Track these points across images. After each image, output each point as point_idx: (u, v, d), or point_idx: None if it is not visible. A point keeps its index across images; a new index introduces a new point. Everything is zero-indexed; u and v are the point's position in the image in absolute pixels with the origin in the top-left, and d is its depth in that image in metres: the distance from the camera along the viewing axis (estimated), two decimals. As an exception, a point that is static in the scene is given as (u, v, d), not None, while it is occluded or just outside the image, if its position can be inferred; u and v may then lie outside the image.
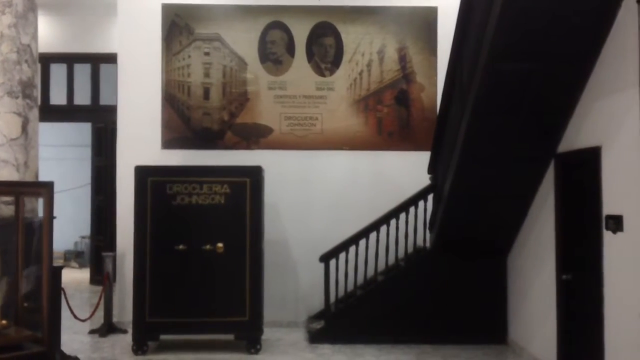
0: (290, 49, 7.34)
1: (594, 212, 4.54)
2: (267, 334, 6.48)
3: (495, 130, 5.09)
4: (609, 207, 4.38)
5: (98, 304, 6.81)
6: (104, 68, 9.00)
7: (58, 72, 9.12)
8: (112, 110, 7.67)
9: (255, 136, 7.29)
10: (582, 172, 4.83)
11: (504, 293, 6.45)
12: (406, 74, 7.36)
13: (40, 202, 5.24)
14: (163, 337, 6.19)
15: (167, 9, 7.26)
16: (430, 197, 6.54)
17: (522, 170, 5.47)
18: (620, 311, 4.23)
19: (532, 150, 5.28)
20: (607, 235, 4.39)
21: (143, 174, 6.02)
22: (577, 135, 4.90)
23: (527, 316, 5.95)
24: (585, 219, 4.77)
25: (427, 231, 6.63)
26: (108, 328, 6.79)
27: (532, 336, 5.82)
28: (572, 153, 4.98)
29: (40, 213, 5.33)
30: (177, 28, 7.27)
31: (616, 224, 4.25)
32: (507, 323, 6.43)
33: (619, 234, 4.24)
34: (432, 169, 6.52)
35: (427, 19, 7.34)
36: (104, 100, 9.09)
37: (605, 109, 4.43)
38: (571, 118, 4.96)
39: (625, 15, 4.14)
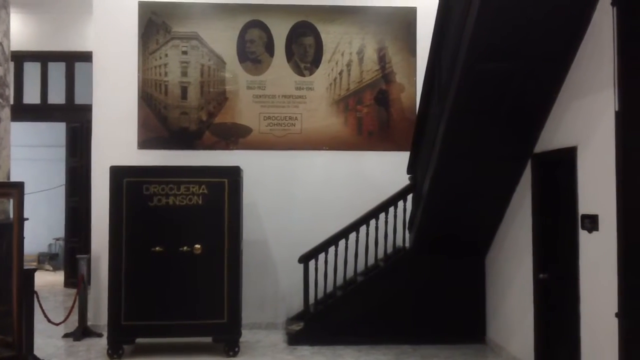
0: (270, 48, 7.29)
1: (570, 212, 4.58)
2: (246, 336, 6.43)
3: (474, 130, 5.11)
4: (584, 206, 4.41)
5: (72, 307, 6.69)
6: (79, 66, 8.86)
7: (32, 70, 8.95)
8: (87, 110, 7.54)
9: (234, 136, 7.23)
10: (559, 172, 4.88)
11: (482, 292, 6.48)
12: (386, 74, 7.37)
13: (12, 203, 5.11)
14: (139, 340, 6.10)
15: (143, 7, 7.16)
16: (409, 197, 6.55)
17: (500, 170, 5.50)
18: (596, 310, 4.27)
19: (509, 150, 5.31)
20: (583, 235, 4.43)
21: (118, 174, 5.92)
22: (553, 135, 4.94)
23: (505, 315, 5.99)
24: (561, 218, 4.81)
25: (407, 231, 6.63)
26: (83, 332, 6.67)
27: (510, 335, 5.86)
28: (549, 153, 5.02)
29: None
30: (154, 26, 7.18)
31: (592, 223, 4.28)
32: (486, 322, 6.46)
33: (594, 233, 4.28)
34: (412, 169, 6.52)
35: (406, 19, 7.35)
36: (78, 100, 8.94)
37: (581, 110, 4.47)
38: (548, 118, 5.00)
39: (600, 17, 4.18)
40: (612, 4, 3.89)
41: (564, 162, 4.71)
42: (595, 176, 4.25)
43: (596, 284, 4.26)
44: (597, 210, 4.23)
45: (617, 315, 3.87)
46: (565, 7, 4.26)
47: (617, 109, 3.87)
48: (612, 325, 3.93)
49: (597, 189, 4.23)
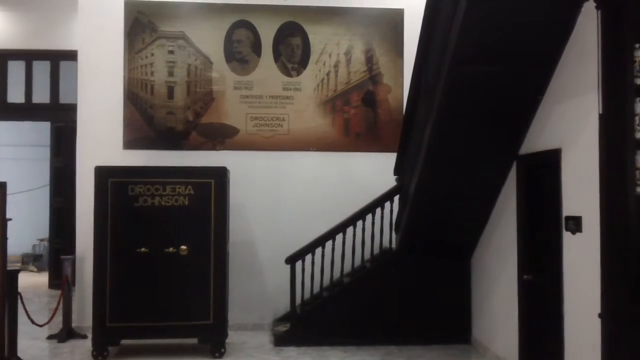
0: (257, 48, 7.28)
1: (554, 213, 4.61)
2: (232, 337, 6.41)
3: (460, 133, 5.14)
4: (568, 208, 4.46)
5: (57, 308, 6.64)
6: (64, 65, 8.78)
7: (16, 69, 8.86)
8: (72, 109, 7.48)
9: (220, 136, 7.21)
10: (543, 174, 4.91)
11: (467, 293, 6.52)
12: (373, 75, 7.39)
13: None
14: (124, 341, 6.06)
15: (130, 6, 7.11)
16: (396, 199, 6.57)
17: (486, 172, 5.54)
18: (579, 310, 4.31)
19: (495, 152, 5.35)
20: (567, 236, 4.47)
21: (103, 174, 5.88)
22: (538, 138, 4.98)
23: (490, 316, 6.03)
24: (546, 220, 4.85)
25: (393, 232, 6.65)
26: (67, 333, 6.62)
27: (495, 336, 5.90)
28: (534, 155, 5.06)
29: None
30: (140, 25, 7.14)
31: (575, 224, 4.33)
32: (471, 323, 6.50)
33: (578, 234, 4.32)
34: (399, 170, 6.55)
35: (394, 21, 7.38)
36: (63, 99, 8.87)
37: (566, 112, 4.51)
38: (533, 120, 5.04)
39: (585, 20, 4.22)
40: (597, 7, 3.92)
41: (548, 164, 4.74)
42: (579, 178, 4.29)
43: (580, 285, 4.30)
44: (581, 212, 4.27)
45: (600, 315, 3.90)
46: (551, 10, 4.29)
47: (601, 112, 3.90)
48: (595, 326, 3.97)
49: (580, 190, 4.27)
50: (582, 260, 4.26)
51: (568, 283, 4.48)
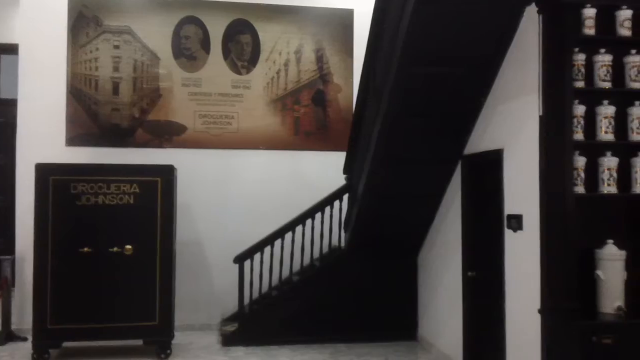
0: (205, 45, 7.18)
1: (496, 212, 4.73)
2: (179, 338, 6.31)
3: (407, 132, 5.20)
4: (510, 206, 4.58)
5: (-6, 311, 6.39)
6: (4, 59, 8.44)
7: (-47, 62, 8.48)
8: (12, 104, 7.20)
9: (168, 134, 7.08)
10: (486, 174, 5.03)
11: (414, 291, 6.62)
12: (323, 74, 7.40)
13: None
14: (66, 344, 5.88)
15: (73, -1, 6.91)
16: (345, 197, 6.61)
17: (432, 171, 5.63)
18: (519, 306, 4.44)
19: (441, 152, 5.44)
20: (508, 234, 4.59)
21: (44, 172, 5.70)
22: (481, 138, 5.10)
23: (436, 313, 6.14)
24: (489, 218, 4.97)
25: (342, 231, 6.68)
26: (6, 336, 6.39)
27: (440, 332, 6.01)
28: (477, 155, 5.17)
29: None
30: (84, 19, 6.93)
31: (517, 223, 4.45)
32: (417, 320, 6.61)
33: (519, 232, 4.44)
34: (348, 169, 6.59)
35: (344, 21, 7.41)
36: (3, 94, 8.51)
37: (508, 113, 4.63)
38: (476, 121, 5.15)
39: (527, 24, 4.34)
40: (539, 12, 4.03)
41: (491, 164, 4.85)
42: (520, 177, 4.41)
43: (520, 281, 4.43)
44: (522, 211, 4.39)
45: (539, 311, 4.02)
46: (494, 14, 4.39)
47: (541, 114, 4.02)
48: (535, 321, 4.09)
49: (521, 189, 4.39)
50: (522, 258, 4.38)
51: (509, 279, 4.60)
